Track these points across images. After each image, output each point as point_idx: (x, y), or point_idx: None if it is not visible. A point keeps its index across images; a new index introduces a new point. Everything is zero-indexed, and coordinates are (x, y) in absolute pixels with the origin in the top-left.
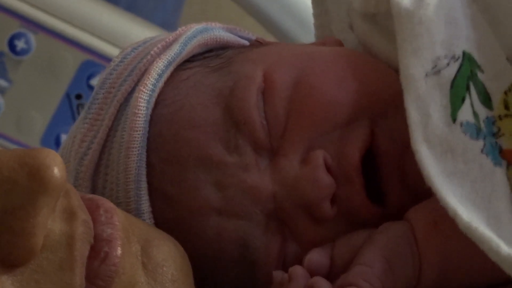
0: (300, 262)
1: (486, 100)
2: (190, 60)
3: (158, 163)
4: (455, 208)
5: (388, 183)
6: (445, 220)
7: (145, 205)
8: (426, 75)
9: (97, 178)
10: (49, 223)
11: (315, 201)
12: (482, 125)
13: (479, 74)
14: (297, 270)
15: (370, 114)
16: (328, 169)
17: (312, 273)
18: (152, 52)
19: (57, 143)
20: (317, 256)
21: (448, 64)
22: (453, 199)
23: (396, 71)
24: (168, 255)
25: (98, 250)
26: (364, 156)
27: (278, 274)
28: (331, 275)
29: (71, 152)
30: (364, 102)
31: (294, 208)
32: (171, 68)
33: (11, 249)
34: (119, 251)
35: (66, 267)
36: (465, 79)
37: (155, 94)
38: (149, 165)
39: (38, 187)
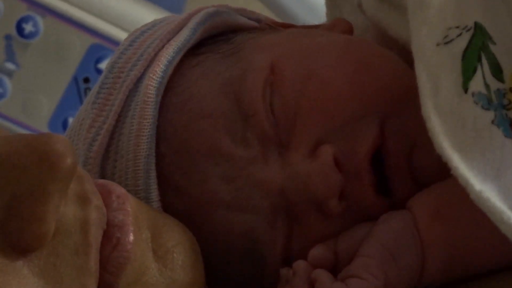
0: (306, 257)
1: (498, 72)
2: (199, 44)
3: (168, 153)
4: (467, 177)
5: (396, 178)
6: (447, 207)
7: (154, 194)
8: (438, 44)
9: (106, 164)
10: (61, 208)
11: (323, 198)
12: (493, 96)
13: (491, 46)
14: (301, 264)
15: (381, 111)
16: (337, 164)
17: (316, 268)
18: (161, 37)
19: (64, 127)
20: (320, 251)
21: (460, 35)
22: (464, 169)
23: (407, 45)
24: (178, 241)
25: (110, 236)
26: (373, 152)
27: (284, 271)
28: (335, 270)
29: (79, 136)
30: (375, 98)
31: (302, 203)
32: (181, 55)
33: (21, 236)
34: (131, 237)
35: (81, 252)
36: (477, 49)
37: (165, 81)
38: (159, 154)
39: (48, 174)
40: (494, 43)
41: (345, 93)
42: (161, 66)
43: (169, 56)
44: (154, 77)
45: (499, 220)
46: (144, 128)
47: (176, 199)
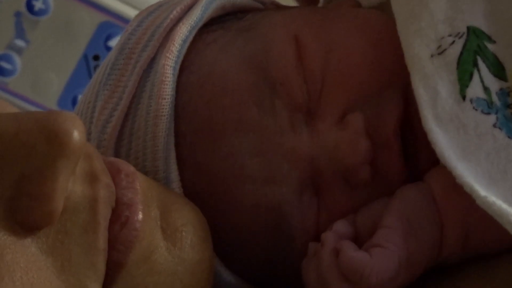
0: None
1: (499, 70)
2: (208, 24)
3: (189, 132)
4: (471, 184)
5: (420, 145)
6: None
7: (174, 174)
8: (432, 56)
9: (120, 146)
10: (70, 186)
11: (354, 166)
12: (495, 98)
13: (490, 46)
14: (328, 235)
15: (403, 80)
16: (367, 133)
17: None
18: (171, 16)
19: (74, 104)
20: (342, 226)
21: (452, 43)
22: (468, 176)
23: None
24: (187, 220)
25: (119, 214)
26: (401, 121)
27: (312, 245)
28: (357, 244)
29: (88, 119)
30: (397, 68)
31: (331, 173)
32: (194, 33)
33: (30, 214)
34: (140, 215)
35: (90, 230)
36: (472, 54)
37: (180, 60)
38: (179, 134)
39: (56, 152)
40: (494, 42)
41: (369, 63)
42: (176, 45)
43: (183, 34)
44: (170, 56)
45: (506, 222)
46: (163, 108)
47: (199, 178)
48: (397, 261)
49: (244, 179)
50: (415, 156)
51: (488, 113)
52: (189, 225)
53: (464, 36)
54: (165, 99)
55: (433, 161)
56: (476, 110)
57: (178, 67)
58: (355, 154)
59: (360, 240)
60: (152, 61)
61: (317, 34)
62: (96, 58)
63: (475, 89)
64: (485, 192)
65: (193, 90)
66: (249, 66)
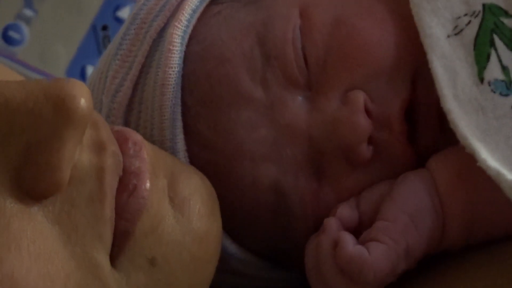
0: (333, 207)
1: None
2: None
3: (193, 104)
4: (497, 168)
5: (425, 127)
6: (469, 171)
7: (180, 144)
8: (448, 36)
9: (129, 115)
10: (76, 155)
11: (352, 144)
12: None
13: (506, 21)
14: (332, 223)
15: (413, 62)
16: (367, 111)
17: (345, 226)
18: None
19: (82, 74)
20: (346, 211)
21: (469, 23)
22: (492, 160)
23: None
24: (195, 190)
25: (126, 182)
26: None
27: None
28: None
29: (100, 89)
30: (407, 49)
31: (331, 149)
32: (204, 4)
33: (36, 182)
34: (147, 184)
35: (96, 199)
36: (488, 33)
37: (189, 30)
38: (184, 105)
39: (63, 120)
40: (510, 16)
41: (379, 41)
42: (186, 14)
43: (193, 4)
44: (178, 25)
45: None
46: (170, 77)
47: (202, 151)
48: (395, 257)
49: (243, 155)
50: (418, 140)
51: (507, 95)
52: (197, 195)
53: (480, 15)
54: (171, 68)
55: (436, 145)
56: (494, 92)
57: (187, 37)
58: (353, 131)
59: (363, 224)
60: (162, 31)
61: (324, 8)
62: (104, 28)
63: (493, 71)
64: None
65: (197, 61)
66: (247, 35)
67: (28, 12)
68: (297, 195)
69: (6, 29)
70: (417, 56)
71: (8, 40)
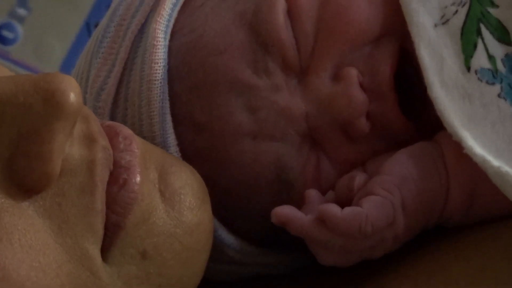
0: (334, 180)
1: (504, 35)
2: None
3: (185, 92)
4: (482, 154)
5: (421, 98)
6: None
7: (172, 138)
8: (435, 25)
9: (115, 112)
10: (67, 148)
11: (351, 118)
12: (500, 66)
13: (492, 11)
14: (312, 193)
15: (399, 30)
16: (361, 85)
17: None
18: None
19: None
20: (362, 177)
21: (456, 12)
22: (477, 147)
23: None
24: (185, 182)
25: (117, 176)
26: (397, 72)
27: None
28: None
29: (86, 88)
30: (393, 18)
31: (328, 126)
32: None
33: (27, 174)
34: (138, 178)
35: (87, 191)
36: (475, 22)
37: (171, 24)
38: (174, 95)
39: (53, 112)
40: (497, 6)
41: (365, 15)
42: (167, 9)
43: None
44: (160, 20)
45: None
46: (156, 72)
47: (196, 137)
48: (390, 207)
49: (242, 136)
50: (417, 113)
51: (493, 83)
52: (187, 187)
53: (467, 4)
54: (157, 63)
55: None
56: (481, 81)
57: (169, 31)
58: (351, 107)
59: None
60: (143, 26)
61: None
62: (97, 26)
63: (479, 59)
64: (497, 162)
65: (186, 52)
66: (240, 26)
67: (21, 11)
68: (298, 168)
69: None
70: (404, 23)
71: (2, 40)
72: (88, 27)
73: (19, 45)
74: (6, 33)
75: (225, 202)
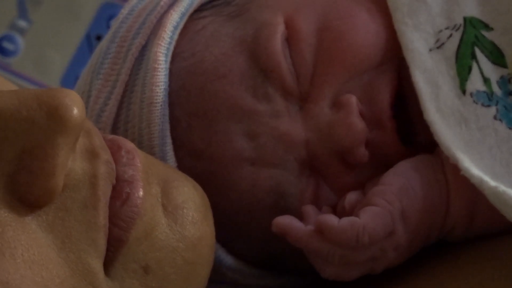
0: (333, 207)
1: (499, 58)
2: (199, 9)
3: (184, 117)
4: (480, 175)
5: (418, 122)
6: None
7: (171, 160)
8: (430, 50)
9: (115, 134)
10: (69, 163)
11: (350, 146)
12: (495, 88)
13: (487, 34)
14: (308, 208)
15: (397, 57)
16: (360, 113)
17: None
18: (161, 3)
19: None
20: (355, 195)
21: (450, 36)
22: (475, 168)
23: None
24: (188, 197)
25: (119, 191)
26: (395, 96)
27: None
28: None
29: (86, 109)
30: (391, 45)
31: (327, 154)
32: (185, 20)
33: (30, 189)
34: (141, 192)
35: (90, 206)
36: (470, 46)
37: (172, 47)
38: (174, 119)
39: (56, 127)
40: (491, 29)
41: (363, 42)
42: (168, 32)
43: (174, 21)
44: (162, 43)
45: None
46: (157, 95)
47: (196, 163)
48: (388, 217)
49: (241, 162)
50: (414, 138)
51: (489, 106)
52: (190, 202)
53: (461, 28)
54: (158, 86)
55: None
56: (476, 103)
57: (170, 54)
58: (351, 135)
59: None
60: (144, 49)
61: (309, 15)
62: (98, 38)
63: (474, 82)
64: (494, 183)
65: (186, 77)
66: (240, 52)
67: (22, 23)
68: (297, 195)
69: (0, 41)
70: (400, 49)
71: (3, 51)
72: (89, 39)
73: (20, 57)
74: (7, 45)
75: (224, 225)
